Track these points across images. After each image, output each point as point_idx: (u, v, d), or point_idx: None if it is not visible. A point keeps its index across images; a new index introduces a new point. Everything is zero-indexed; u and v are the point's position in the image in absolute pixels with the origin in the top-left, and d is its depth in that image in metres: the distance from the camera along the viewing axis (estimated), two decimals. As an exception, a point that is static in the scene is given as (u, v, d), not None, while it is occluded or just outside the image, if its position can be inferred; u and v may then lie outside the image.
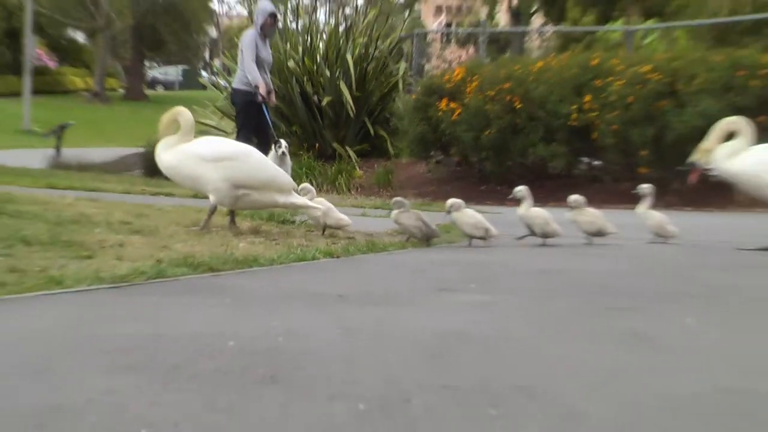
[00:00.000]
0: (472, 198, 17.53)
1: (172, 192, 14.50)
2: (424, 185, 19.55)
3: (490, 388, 3.65)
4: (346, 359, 4.08)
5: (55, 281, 5.82)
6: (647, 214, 10.21)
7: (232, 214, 9.54)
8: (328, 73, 21.50)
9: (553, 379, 3.85)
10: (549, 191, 18.18)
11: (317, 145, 21.34)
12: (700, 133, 16.55)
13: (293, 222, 10.07)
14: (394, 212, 9.64)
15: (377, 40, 22.86)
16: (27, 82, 48.74)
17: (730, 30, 25.68)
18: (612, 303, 6.01)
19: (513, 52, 40.56)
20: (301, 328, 4.81)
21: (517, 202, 10.00)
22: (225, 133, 21.95)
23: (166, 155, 9.36)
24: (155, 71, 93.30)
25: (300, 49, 22.33)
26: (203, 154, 9.21)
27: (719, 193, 17.33)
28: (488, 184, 18.50)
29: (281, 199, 9.25)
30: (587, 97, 17.53)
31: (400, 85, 22.70)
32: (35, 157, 24.58)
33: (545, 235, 9.86)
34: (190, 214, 10.12)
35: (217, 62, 57.21)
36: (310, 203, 9.46)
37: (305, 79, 21.64)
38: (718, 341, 4.87)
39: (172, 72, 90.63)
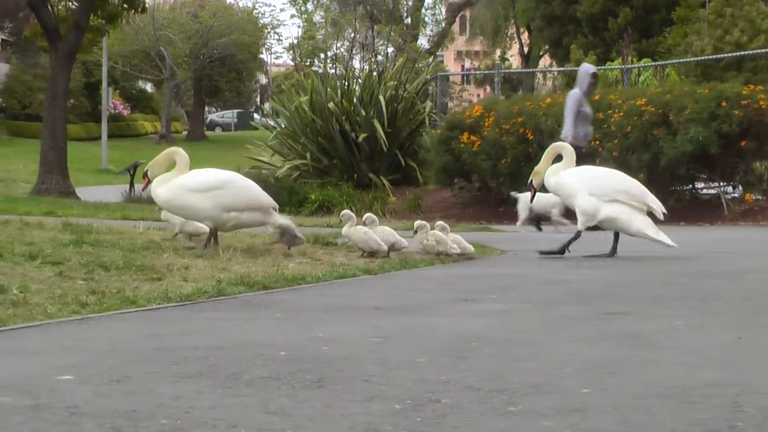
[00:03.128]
0: (491, 219, 17.51)
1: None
2: (449, 209, 19.52)
3: (508, 386, 3.64)
4: (383, 363, 4.09)
5: (129, 301, 5.86)
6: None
7: (215, 236, 9.40)
8: (363, 112, 21.51)
9: (562, 377, 3.84)
10: (559, 211, 18.10)
11: (355, 175, 21.36)
12: (690, 157, 16.59)
13: (335, 244, 10.07)
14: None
15: (406, 83, 22.89)
16: (104, 128, 48.92)
17: (714, 66, 25.60)
18: (610, 308, 5.99)
19: (524, 90, 40.59)
20: (343, 337, 4.82)
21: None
22: (275, 168, 22.00)
23: (161, 189, 9.30)
24: (213, 115, 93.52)
25: (339, 92, 22.37)
26: (192, 186, 9.21)
27: (709, 210, 17.27)
28: (505, 207, 18.42)
29: (263, 218, 9.25)
30: (590, 128, 17.48)
31: (427, 122, 22.71)
32: (112, 192, 24.69)
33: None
34: (245, 239, 10.15)
35: (266, 106, 57.35)
36: (287, 222, 9.47)
37: (344, 118, 21.68)
38: (704, 340, 4.85)
39: (229, 115, 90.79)
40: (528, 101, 19.53)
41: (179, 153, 9.53)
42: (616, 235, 9.97)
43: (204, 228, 9.80)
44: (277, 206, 9.50)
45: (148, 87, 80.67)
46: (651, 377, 3.85)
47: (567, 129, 15.23)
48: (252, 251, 9.22)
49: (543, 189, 10.48)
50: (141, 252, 8.57)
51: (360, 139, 21.26)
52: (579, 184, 9.93)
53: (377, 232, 9.51)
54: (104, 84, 50.24)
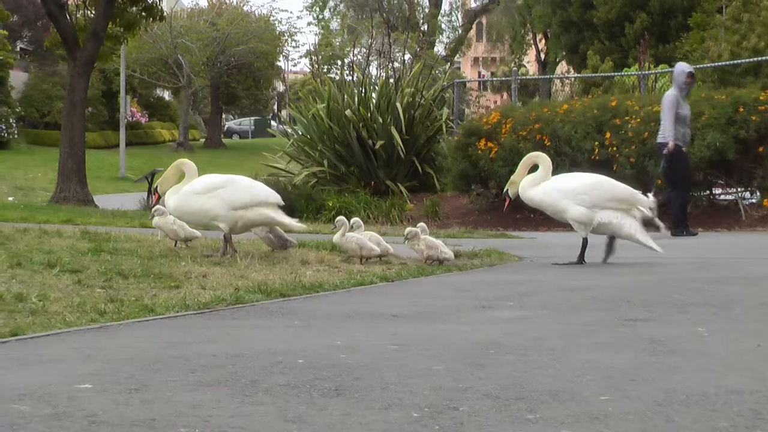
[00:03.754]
0: (508, 225, 17.47)
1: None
2: (466, 215, 19.48)
3: (526, 393, 3.63)
4: (401, 371, 4.08)
5: (147, 309, 5.87)
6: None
7: (230, 241, 9.44)
8: (380, 119, 21.48)
9: (581, 384, 3.82)
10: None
11: (372, 182, 21.32)
12: (707, 163, 16.53)
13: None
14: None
15: (422, 90, 22.84)
16: (122, 136, 49.01)
17: (731, 72, 25.54)
18: (630, 314, 5.97)
19: (541, 96, 40.58)
20: (361, 344, 4.81)
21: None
22: (292, 176, 22.00)
23: (171, 199, 9.42)
24: (231, 122, 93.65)
25: (356, 99, 22.33)
26: (196, 189, 9.28)
27: (727, 216, 17.20)
28: (523, 213, 18.37)
29: (272, 215, 9.29)
30: (607, 134, 17.43)
31: (444, 128, 22.67)
32: (130, 200, 24.67)
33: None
34: (263, 246, 10.15)
35: (284, 113, 57.37)
36: (293, 222, 9.57)
37: (361, 125, 21.64)
38: (725, 346, 4.82)
39: (246, 122, 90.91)
40: (545, 107, 19.48)
41: (186, 164, 9.64)
42: (611, 241, 10.01)
43: (197, 233, 9.88)
44: (282, 202, 9.52)
45: (166, 95, 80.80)
46: (673, 384, 3.83)
47: (666, 132, 14.90)
48: (269, 259, 9.24)
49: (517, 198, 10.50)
50: (159, 260, 8.59)
51: (377, 146, 21.23)
52: (566, 198, 9.94)
53: (363, 237, 9.62)
54: (122, 92, 50.40)
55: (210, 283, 7.25)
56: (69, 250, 9.01)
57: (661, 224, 14.04)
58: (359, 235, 9.60)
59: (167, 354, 4.48)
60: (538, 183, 10.11)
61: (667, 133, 14.89)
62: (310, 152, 22.57)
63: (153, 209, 10.13)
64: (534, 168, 10.28)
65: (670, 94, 15.18)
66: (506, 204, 10.91)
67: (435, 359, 4.37)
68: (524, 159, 10.49)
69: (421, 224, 10.04)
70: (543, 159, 10.29)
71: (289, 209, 18.40)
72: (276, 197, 9.43)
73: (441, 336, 5.14)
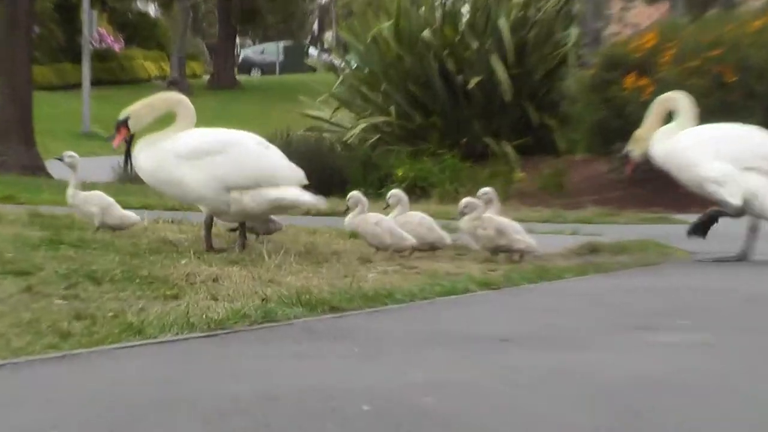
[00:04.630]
0: (670, 204, 17.34)
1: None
2: (606, 189, 19.36)
3: (709, 458, 3.63)
4: (516, 424, 4.08)
5: (133, 329, 5.89)
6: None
7: (208, 228, 9.37)
8: (475, 45, 21.48)
9: (794, 445, 3.81)
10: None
11: (464, 140, 21.31)
12: None
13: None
14: None
15: (538, 0, 22.85)
16: (86, 71, 49.25)
17: None
18: None
19: (721, 7, 40.25)
20: (454, 382, 4.82)
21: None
22: (343, 130, 22.04)
23: (143, 155, 9.41)
24: (249, 50, 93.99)
25: (438, 14, 22.35)
26: (181, 151, 9.22)
27: None
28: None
29: (286, 202, 9.17)
30: (822, 65, 17.30)
31: (571, 58, 22.61)
32: (99, 167, 24.74)
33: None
34: (301, 236, 10.19)
35: (329, 36, 57.52)
36: (313, 200, 9.46)
37: (446, 53, 21.64)
38: None
39: (271, 51, 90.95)
40: (727, 24, 19.36)
41: (182, 102, 9.58)
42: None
43: (134, 218, 9.86)
44: (305, 181, 9.43)
45: (151, 10, 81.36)
46: None
47: None
48: (311, 254, 9.26)
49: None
50: (147, 257, 8.65)
51: (471, 86, 21.23)
52: (700, 147, 9.85)
53: (406, 219, 9.55)
54: (85, 5, 50.60)
55: (224, 291, 7.27)
56: (13, 241, 9.10)
57: None
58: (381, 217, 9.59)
59: (163, 394, 4.50)
60: (673, 135, 10.05)
61: None
62: (370, 95, 22.63)
63: (70, 193, 10.03)
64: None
65: None
66: (629, 167, 10.86)
67: (570, 405, 4.37)
68: (654, 104, 10.40)
69: (488, 190, 9.95)
70: (681, 101, 10.19)
71: (340, 179, 18.44)
72: (300, 175, 9.33)
73: (577, 370, 5.13)
